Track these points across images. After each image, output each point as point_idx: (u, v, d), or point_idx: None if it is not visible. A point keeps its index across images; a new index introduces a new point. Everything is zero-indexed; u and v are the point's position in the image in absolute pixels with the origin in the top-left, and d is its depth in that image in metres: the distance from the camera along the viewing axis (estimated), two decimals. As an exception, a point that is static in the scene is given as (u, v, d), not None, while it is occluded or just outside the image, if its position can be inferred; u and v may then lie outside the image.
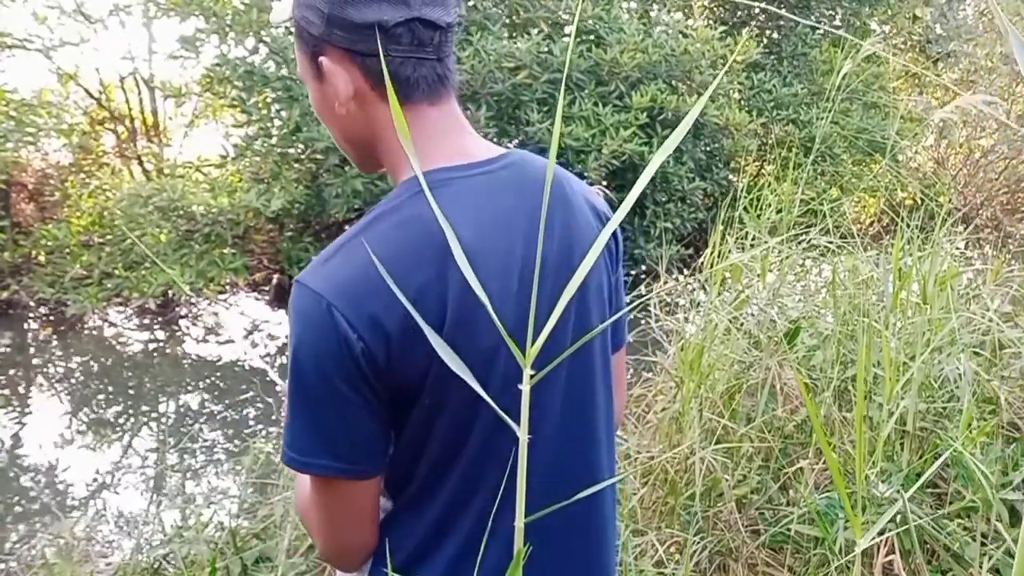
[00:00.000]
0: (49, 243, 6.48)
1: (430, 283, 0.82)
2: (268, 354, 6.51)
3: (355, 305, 0.81)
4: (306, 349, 0.83)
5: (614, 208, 1.01)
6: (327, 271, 0.84)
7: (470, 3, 6.47)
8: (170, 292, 6.17)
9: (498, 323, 0.63)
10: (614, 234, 1.02)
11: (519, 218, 0.88)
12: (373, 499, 0.91)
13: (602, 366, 0.99)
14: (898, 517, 1.85)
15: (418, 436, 0.89)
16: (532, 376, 0.58)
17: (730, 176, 7.70)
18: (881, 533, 1.80)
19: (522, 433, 0.58)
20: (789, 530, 2.07)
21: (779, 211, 2.98)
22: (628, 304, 1.03)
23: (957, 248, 2.66)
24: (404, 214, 0.85)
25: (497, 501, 0.88)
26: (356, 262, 0.82)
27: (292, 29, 0.93)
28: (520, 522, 0.60)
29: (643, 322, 2.85)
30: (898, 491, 1.86)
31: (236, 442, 4.53)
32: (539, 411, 0.90)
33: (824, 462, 2.20)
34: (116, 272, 6.19)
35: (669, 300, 3.03)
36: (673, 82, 6.99)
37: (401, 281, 0.80)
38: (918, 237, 2.63)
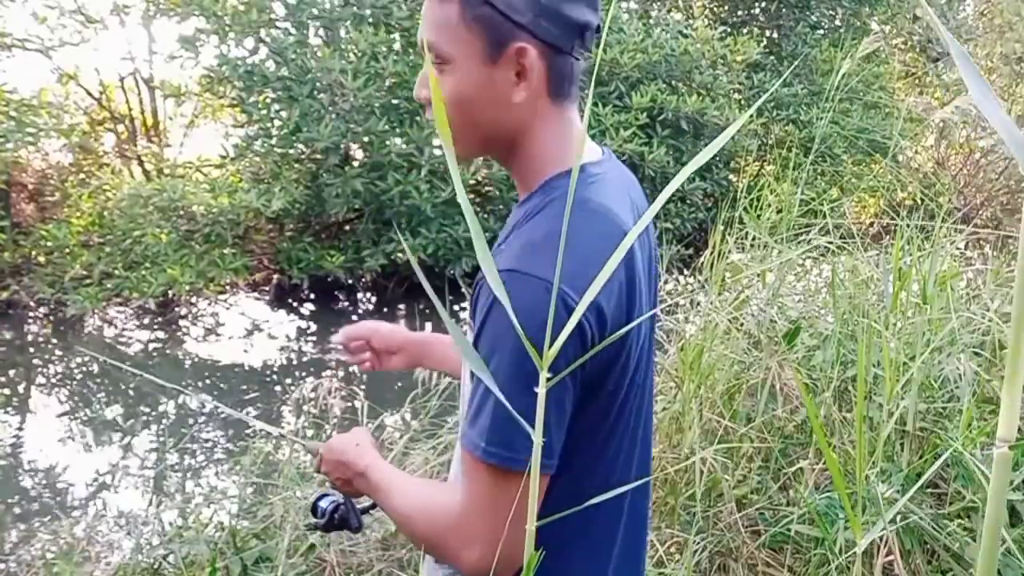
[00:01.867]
0: (49, 243, 6.49)
1: (626, 276, 0.86)
2: (269, 358, 6.50)
3: (584, 294, 0.78)
4: (539, 336, 0.77)
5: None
6: (549, 261, 0.80)
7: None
8: (170, 292, 6.17)
9: (516, 323, 0.65)
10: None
11: (631, 215, 0.93)
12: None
13: (653, 360, 1.06)
14: (898, 517, 1.85)
15: (587, 427, 0.91)
16: (549, 379, 0.59)
17: (730, 176, 7.71)
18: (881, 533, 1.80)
19: (536, 436, 0.59)
20: (789, 530, 2.07)
21: (779, 211, 2.98)
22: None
23: (957, 248, 2.66)
24: (595, 205, 0.87)
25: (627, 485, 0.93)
26: (572, 252, 0.80)
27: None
28: (532, 525, 0.60)
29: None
30: (898, 491, 1.86)
31: (236, 442, 4.53)
32: (644, 406, 0.97)
33: (824, 462, 2.20)
34: (116, 272, 6.20)
35: (669, 300, 3.03)
36: (673, 82, 7.00)
37: (614, 276, 0.83)
38: (918, 237, 2.63)
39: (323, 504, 1.15)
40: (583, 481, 0.92)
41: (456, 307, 4.43)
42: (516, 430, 0.83)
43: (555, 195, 0.89)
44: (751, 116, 7.01)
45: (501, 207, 6.76)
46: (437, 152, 6.11)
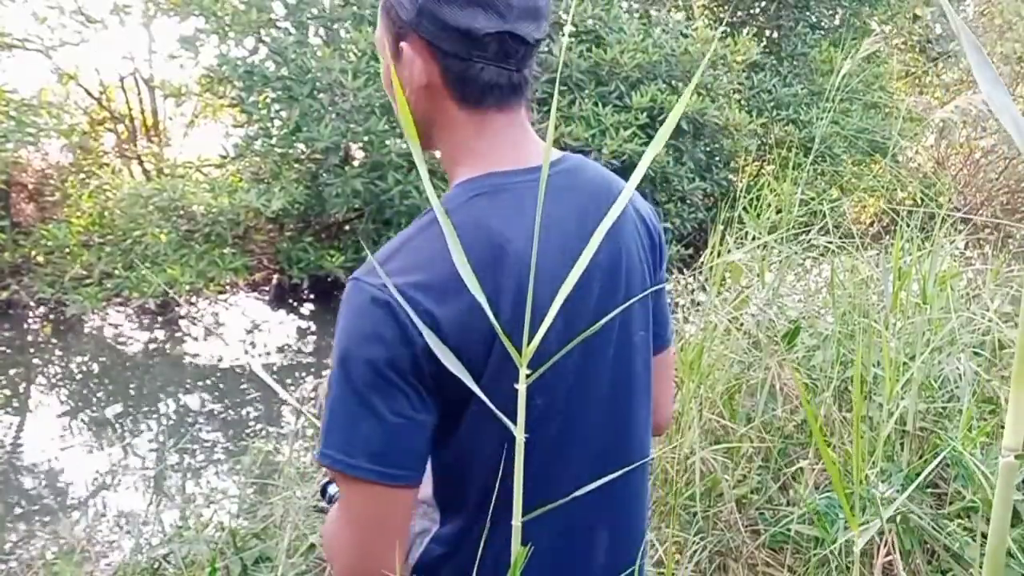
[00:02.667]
0: (49, 243, 6.48)
1: (487, 290, 0.82)
2: (269, 358, 6.50)
3: (415, 303, 0.81)
4: (362, 343, 0.82)
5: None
6: (389, 270, 0.84)
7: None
8: (170, 292, 6.17)
9: (497, 326, 0.63)
10: (660, 243, 1.04)
11: (569, 224, 0.89)
12: (407, 515, 0.88)
13: (643, 364, 1.00)
14: (898, 517, 1.85)
15: (468, 448, 0.89)
16: (528, 375, 0.58)
17: (730, 176, 7.70)
18: (880, 533, 1.80)
19: (519, 433, 0.59)
20: (789, 530, 2.06)
21: (779, 211, 2.98)
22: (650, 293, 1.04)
23: (957, 248, 2.66)
24: (461, 218, 0.85)
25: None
26: (417, 262, 0.83)
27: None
28: (517, 521, 0.60)
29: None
30: (898, 491, 1.86)
31: (236, 442, 4.53)
32: (583, 404, 0.93)
33: (824, 461, 2.20)
34: (116, 272, 6.20)
35: (669, 300, 3.02)
36: (673, 82, 6.99)
37: (461, 286, 0.79)
38: (918, 237, 2.63)
39: (331, 490, 1.17)
40: (476, 502, 0.90)
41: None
42: (352, 434, 0.83)
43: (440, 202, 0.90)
44: (751, 116, 7.01)
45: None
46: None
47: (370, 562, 0.86)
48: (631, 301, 0.96)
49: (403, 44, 0.88)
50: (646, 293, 1.00)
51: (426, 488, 0.95)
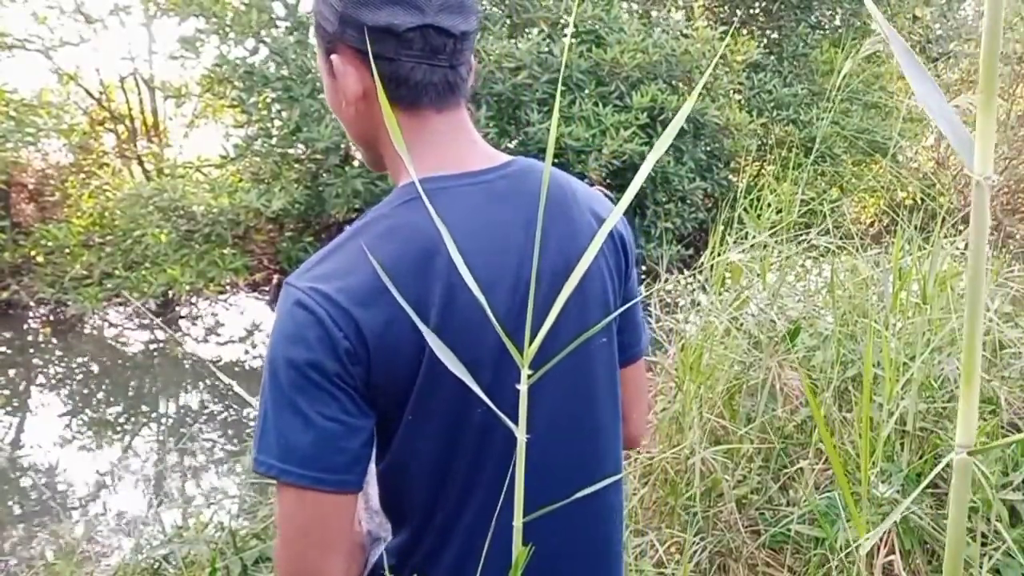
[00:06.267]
0: (49, 243, 6.49)
1: (412, 295, 0.82)
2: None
3: (340, 308, 0.81)
4: (287, 345, 0.81)
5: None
6: (316, 274, 0.84)
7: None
8: (170, 292, 6.17)
9: (497, 325, 0.63)
10: (624, 249, 1.00)
11: (513, 230, 0.88)
12: (345, 523, 0.85)
13: (606, 376, 0.97)
14: (898, 517, 1.85)
15: (403, 457, 0.88)
16: (530, 376, 0.58)
17: (730, 176, 7.70)
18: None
19: (520, 434, 0.58)
20: (789, 530, 2.07)
21: (779, 211, 2.98)
22: (628, 303, 1.01)
23: (957, 248, 2.66)
24: (392, 222, 0.85)
25: (497, 507, 0.87)
26: (344, 268, 0.83)
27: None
28: (518, 521, 0.60)
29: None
30: (898, 491, 1.86)
31: (236, 442, 4.53)
32: (537, 414, 0.88)
33: (825, 461, 2.20)
34: (116, 272, 6.20)
35: (669, 300, 3.03)
36: (673, 82, 6.99)
37: (387, 292, 0.78)
38: (918, 237, 2.63)
39: None
40: (419, 514, 0.89)
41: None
42: (283, 438, 0.81)
43: (374, 208, 0.89)
44: (751, 116, 7.01)
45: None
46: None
47: (303, 568, 0.84)
48: (611, 312, 0.93)
49: (334, 57, 0.88)
50: (624, 307, 0.98)
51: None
